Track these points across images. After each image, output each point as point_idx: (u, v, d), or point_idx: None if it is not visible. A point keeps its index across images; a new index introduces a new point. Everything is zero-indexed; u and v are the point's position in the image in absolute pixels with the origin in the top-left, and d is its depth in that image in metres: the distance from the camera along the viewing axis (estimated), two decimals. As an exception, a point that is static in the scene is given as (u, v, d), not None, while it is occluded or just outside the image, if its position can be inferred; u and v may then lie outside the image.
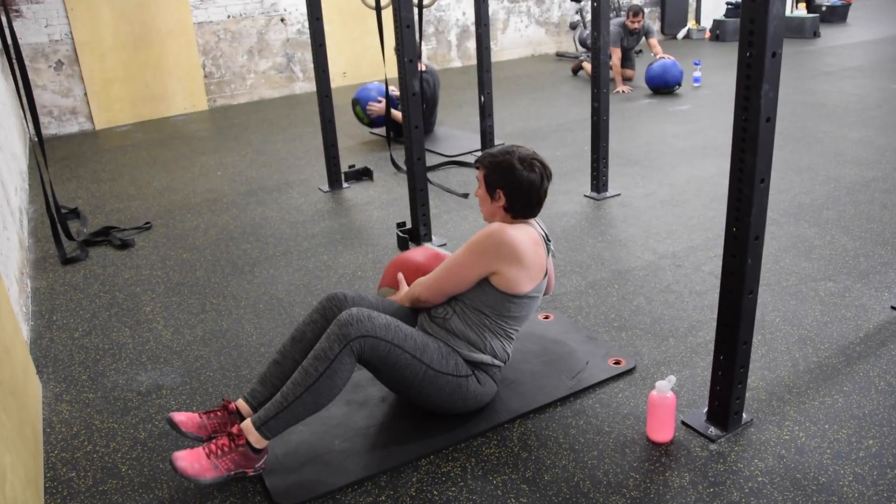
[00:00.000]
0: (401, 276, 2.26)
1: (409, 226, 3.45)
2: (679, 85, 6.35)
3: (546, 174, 2.05)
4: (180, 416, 1.92)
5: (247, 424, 1.83)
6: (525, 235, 1.99)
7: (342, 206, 4.11)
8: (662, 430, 1.96)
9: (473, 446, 2.00)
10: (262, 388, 1.96)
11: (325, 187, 4.38)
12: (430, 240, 3.43)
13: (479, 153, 4.92)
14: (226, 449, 1.81)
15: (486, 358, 2.03)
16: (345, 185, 4.40)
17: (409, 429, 2.07)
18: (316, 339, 1.98)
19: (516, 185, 2.01)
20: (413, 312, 2.15)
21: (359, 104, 5.22)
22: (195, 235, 3.77)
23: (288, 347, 1.99)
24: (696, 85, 6.68)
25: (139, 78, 6.62)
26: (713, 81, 6.83)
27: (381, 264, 3.26)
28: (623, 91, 6.52)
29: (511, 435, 2.03)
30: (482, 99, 4.72)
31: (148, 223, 3.94)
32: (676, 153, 4.68)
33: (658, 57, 6.49)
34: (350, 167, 4.52)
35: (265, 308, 2.90)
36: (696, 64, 6.80)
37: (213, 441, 1.83)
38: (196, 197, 4.39)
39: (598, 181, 3.94)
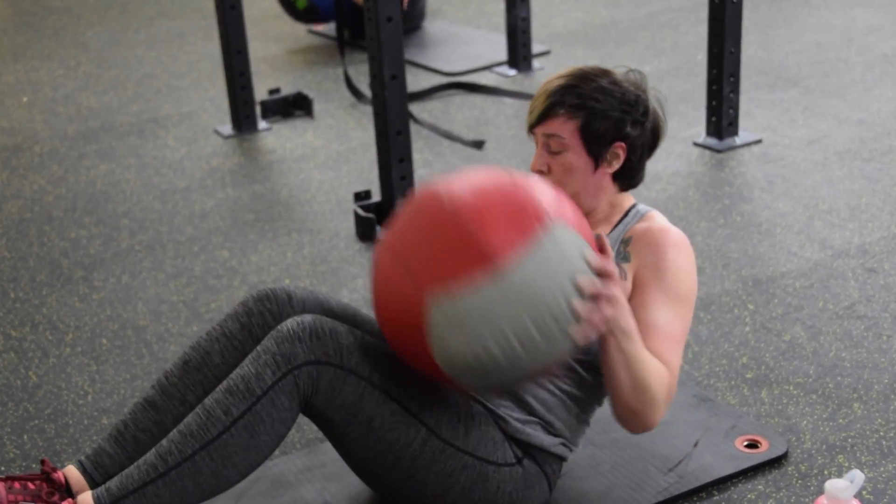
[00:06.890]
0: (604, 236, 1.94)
1: (375, 198, 3.44)
2: None
3: (662, 105, 2.24)
4: None
5: (85, 501, 1.83)
6: None
7: (257, 162, 4.12)
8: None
9: None
10: (116, 449, 1.97)
11: (227, 129, 4.40)
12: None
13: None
14: None
15: (555, 443, 2.04)
16: (262, 124, 4.42)
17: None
18: (230, 368, 2.00)
19: (646, 132, 2.17)
20: None
21: None
22: (-13, 214, 3.78)
23: (175, 379, 2.01)
24: None
25: None
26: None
27: (326, 265, 3.25)
28: None
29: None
30: (511, -31, 4.71)
31: None
32: (873, 63, 4.67)
33: None
34: (272, 93, 4.54)
35: (112, 345, 2.90)
36: None
37: None
38: (-10, 145, 4.41)
39: (721, 118, 3.94)
